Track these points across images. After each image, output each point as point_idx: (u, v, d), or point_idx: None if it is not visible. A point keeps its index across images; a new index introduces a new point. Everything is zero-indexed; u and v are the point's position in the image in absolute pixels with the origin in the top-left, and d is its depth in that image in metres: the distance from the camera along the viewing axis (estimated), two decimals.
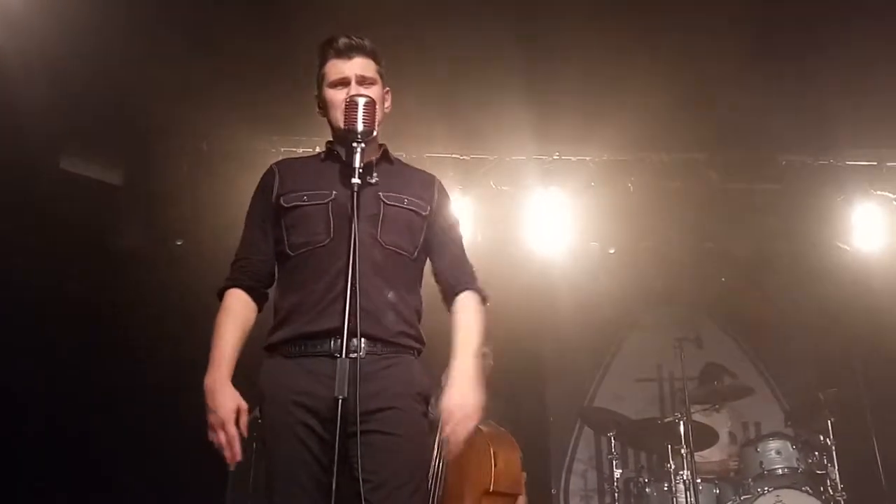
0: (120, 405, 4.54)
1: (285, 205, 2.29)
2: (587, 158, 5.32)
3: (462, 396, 2.17)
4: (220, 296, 2.31)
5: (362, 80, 2.30)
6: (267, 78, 4.28)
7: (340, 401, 1.93)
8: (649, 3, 3.96)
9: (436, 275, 2.39)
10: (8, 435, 4.22)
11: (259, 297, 2.34)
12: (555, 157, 5.30)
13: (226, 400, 2.12)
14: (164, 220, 5.13)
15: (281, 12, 3.90)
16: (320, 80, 2.35)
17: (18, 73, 3.82)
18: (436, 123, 4.77)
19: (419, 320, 2.32)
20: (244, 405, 2.14)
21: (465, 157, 5.28)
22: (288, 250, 2.28)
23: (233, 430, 2.09)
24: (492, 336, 4.54)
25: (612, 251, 5.89)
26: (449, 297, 2.37)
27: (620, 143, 5.18)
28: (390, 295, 2.22)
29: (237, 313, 2.27)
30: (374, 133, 2.24)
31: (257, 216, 2.37)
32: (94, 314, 4.65)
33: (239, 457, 2.10)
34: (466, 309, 2.34)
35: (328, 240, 2.22)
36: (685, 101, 4.57)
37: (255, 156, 5.01)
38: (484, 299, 2.38)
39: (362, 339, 2.08)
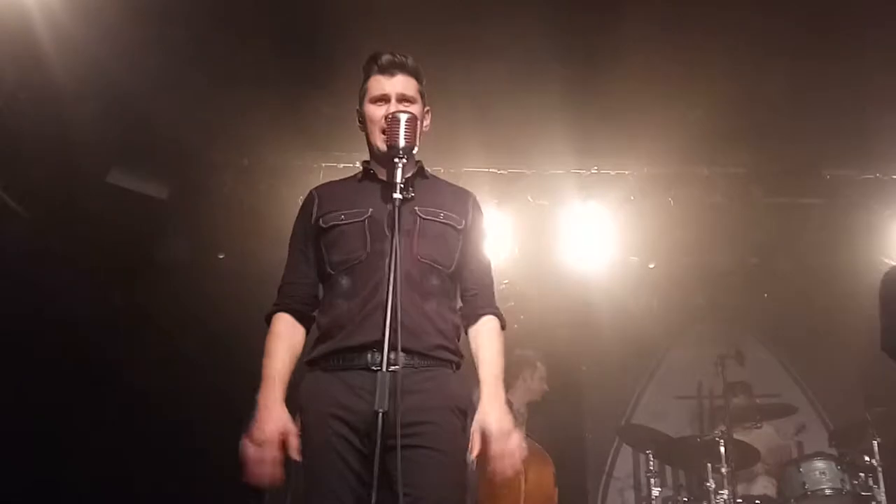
0: (162, 415, 4.62)
1: (324, 226, 2.33)
2: (627, 172, 5.27)
3: (500, 421, 2.18)
4: (268, 320, 2.36)
5: (402, 98, 2.33)
6: (309, 95, 4.34)
7: (381, 414, 1.92)
8: (690, 18, 3.93)
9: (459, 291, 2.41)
10: (55, 444, 4.33)
11: (305, 320, 2.38)
12: (593, 171, 5.25)
13: (274, 417, 2.15)
14: (207, 234, 5.23)
15: (323, 30, 3.96)
16: (362, 95, 2.38)
17: (67, 89, 3.92)
18: (473, 138, 4.77)
19: (457, 334, 2.33)
20: (292, 429, 2.16)
21: (502, 172, 5.24)
22: (329, 269, 2.32)
23: (272, 451, 2.11)
24: (545, 360, 4.55)
25: (652, 266, 5.82)
26: (469, 317, 2.38)
27: (661, 156, 5.12)
28: (427, 308, 2.24)
29: (285, 337, 2.32)
30: (415, 149, 2.26)
31: (299, 241, 2.42)
32: (139, 324, 4.75)
33: (277, 478, 2.10)
34: (490, 335, 2.35)
35: (365, 255, 2.24)
36: (727, 114, 4.50)
37: (296, 171, 5.08)
38: (503, 324, 2.40)
39: (400, 353, 2.08)
